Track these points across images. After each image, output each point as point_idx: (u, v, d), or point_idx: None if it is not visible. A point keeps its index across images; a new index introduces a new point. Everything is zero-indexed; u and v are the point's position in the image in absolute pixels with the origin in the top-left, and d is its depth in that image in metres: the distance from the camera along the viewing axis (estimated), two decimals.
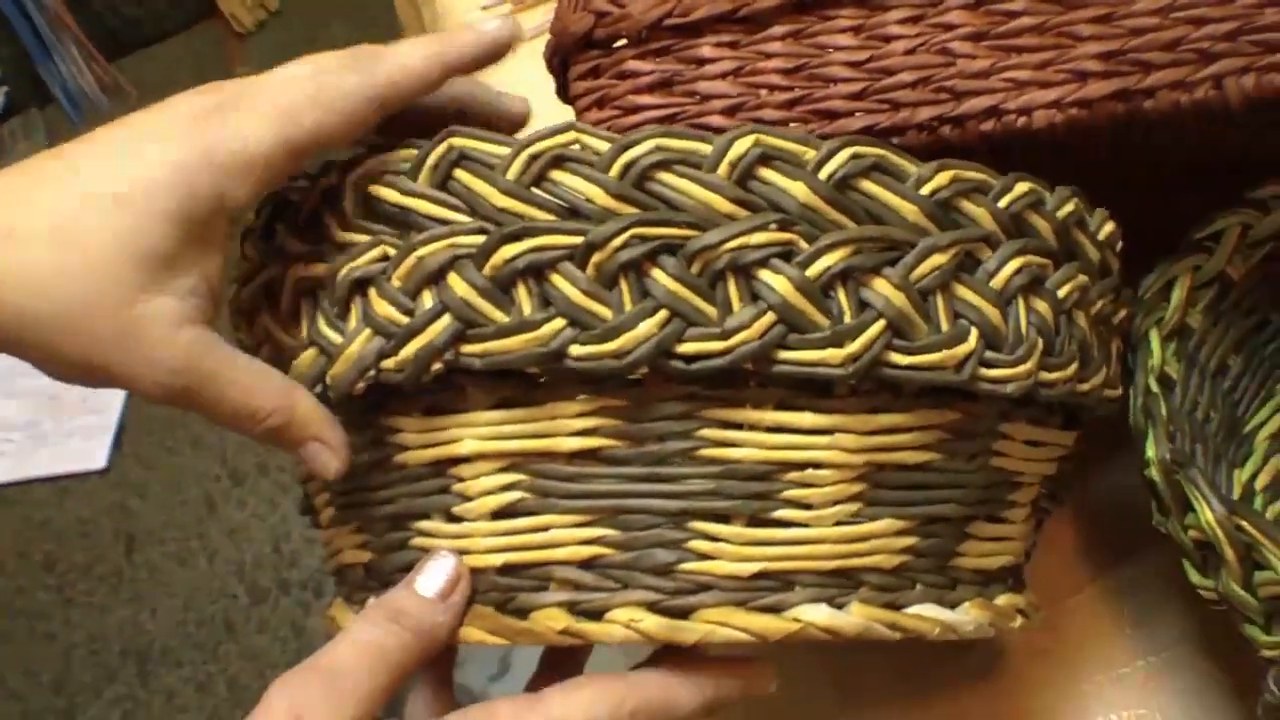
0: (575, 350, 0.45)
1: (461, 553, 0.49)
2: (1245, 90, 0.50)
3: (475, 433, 0.48)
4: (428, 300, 0.47)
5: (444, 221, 0.47)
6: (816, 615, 0.47)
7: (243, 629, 1.41)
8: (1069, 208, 0.52)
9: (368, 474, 0.51)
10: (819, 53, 0.52)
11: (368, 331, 0.48)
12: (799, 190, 0.46)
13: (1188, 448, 0.59)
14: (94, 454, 1.59)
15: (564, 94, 0.57)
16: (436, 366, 0.46)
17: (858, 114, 0.52)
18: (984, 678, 0.66)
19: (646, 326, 0.45)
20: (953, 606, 0.50)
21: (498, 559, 0.48)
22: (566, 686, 0.46)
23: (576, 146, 0.46)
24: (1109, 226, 0.55)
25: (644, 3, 0.53)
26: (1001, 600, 0.53)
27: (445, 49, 0.49)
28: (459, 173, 0.47)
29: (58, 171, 0.46)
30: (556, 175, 0.46)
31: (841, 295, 0.46)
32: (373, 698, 0.45)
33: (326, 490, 0.54)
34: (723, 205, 0.45)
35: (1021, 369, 0.48)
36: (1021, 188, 0.49)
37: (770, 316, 0.45)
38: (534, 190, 0.46)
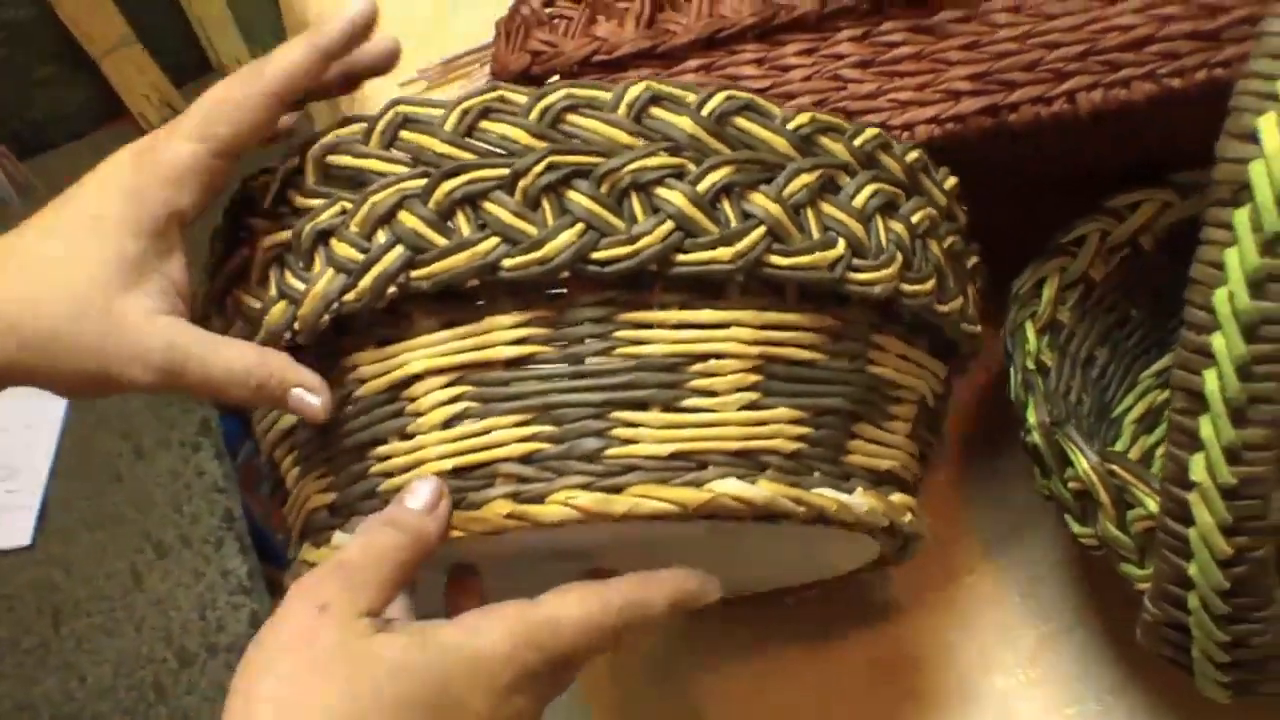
0: (508, 263, 0.52)
1: (417, 464, 0.55)
2: (1094, 103, 0.59)
3: (423, 353, 0.55)
4: (381, 237, 0.53)
5: (394, 175, 0.54)
6: (728, 487, 0.54)
7: (172, 691, 1.43)
8: (914, 155, 0.59)
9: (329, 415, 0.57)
10: (728, 82, 0.60)
11: (330, 272, 0.54)
12: (685, 124, 0.53)
13: None
14: (18, 531, 1.60)
15: None
16: (391, 291, 0.53)
17: None
18: (889, 651, 0.73)
19: (566, 237, 0.52)
20: (849, 493, 0.57)
21: (449, 464, 0.54)
22: (558, 590, 0.52)
23: (500, 101, 0.54)
24: (952, 180, 0.62)
25: (575, 42, 0.60)
26: (895, 498, 0.59)
27: (317, 38, 0.57)
28: (404, 133, 0.54)
29: (56, 209, 0.56)
30: (485, 124, 0.54)
31: (727, 206, 0.53)
32: (382, 588, 0.50)
33: (292, 450, 0.60)
34: (623, 138, 0.53)
35: (885, 273, 0.55)
36: (871, 132, 0.57)
37: (669, 224, 0.52)
38: (468, 139, 0.54)
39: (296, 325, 0.55)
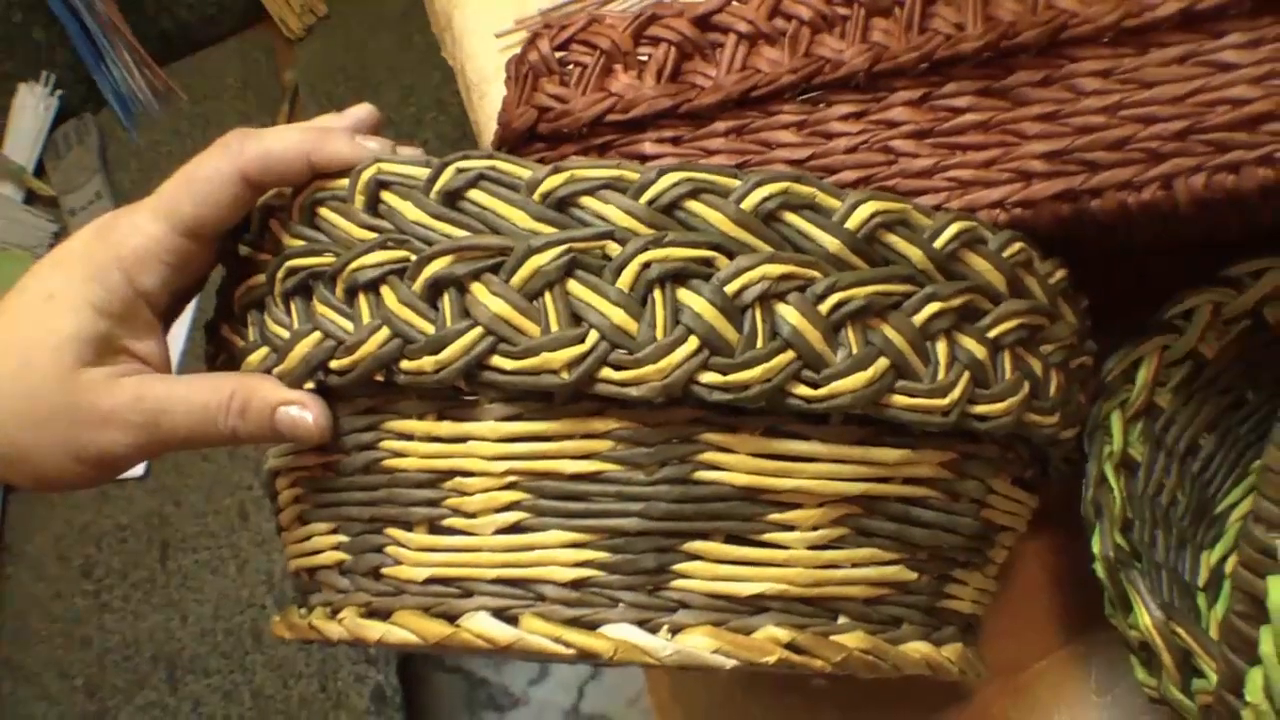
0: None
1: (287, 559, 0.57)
2: (1195, 191, 0.49)
3: (276, 461, 0.56)
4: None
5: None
6: (477, 623, 0.48)
7: (269, 639, 1.43)
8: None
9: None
10: (761, 149, 0.52)
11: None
12: (409, 211, 0.48)
13: (1148, 536, 0.59)
14: None
15: None
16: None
17: None
18: None
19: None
20: (655, 630, 0.48)
21: (292, 565, 0.56)
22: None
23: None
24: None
25: (586, 99, 0.53)
26: (760, 635, 0.48)
27: (314, 149, 0.51)
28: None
29: (14, 292, 0.52)
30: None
31: (446, 302, 0.47)
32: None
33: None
34: (356, 233, 0.50)
35: (652, 368, 0.45)
36: (668, 179, 0.46)
37: (385, 332, 0.48)
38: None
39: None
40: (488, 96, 1.08)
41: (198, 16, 2.23)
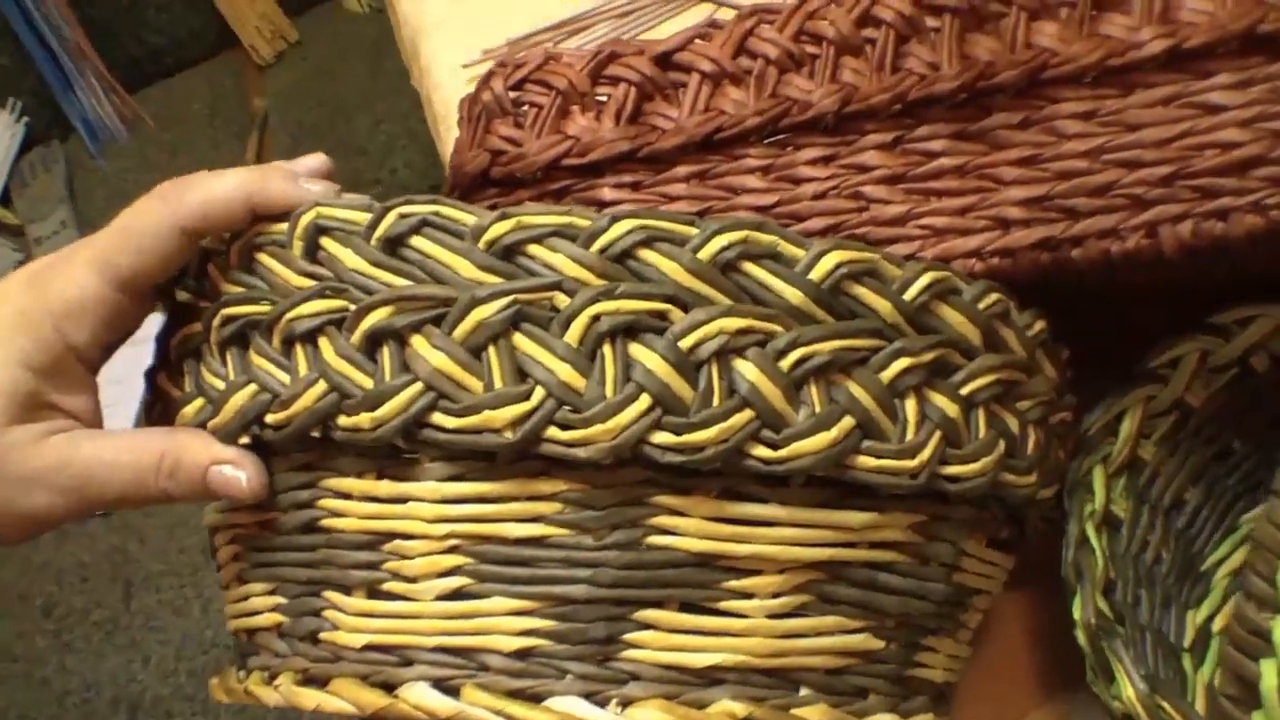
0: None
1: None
2: (1181, 239, 0.47)
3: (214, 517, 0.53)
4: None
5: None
6: (416, 694, 0.46)
7: None
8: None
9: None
10: (725, 195, 0.50)
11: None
12: (349, 258, 0.46)
13: (1131, 596, 0.56)
14: None
15: None
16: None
17: None
18: None
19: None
20: (604, 703, 0.45)
21: (231, 625, 0.53)
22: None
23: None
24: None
25: (541, 142, 0.50)
26: (715, 708, 0.46)
27: (254, 190, 0.49)
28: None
29: None
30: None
31: (385, 356, 0.45)
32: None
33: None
34: (294, 280, 0.47)
35: (600, 428, 0.43)
36: (620, 226, 0.44)
37: (322, 385, 0.46)
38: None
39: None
40: (454, 128, 1.06)
41: (167, 41, 2.21)
